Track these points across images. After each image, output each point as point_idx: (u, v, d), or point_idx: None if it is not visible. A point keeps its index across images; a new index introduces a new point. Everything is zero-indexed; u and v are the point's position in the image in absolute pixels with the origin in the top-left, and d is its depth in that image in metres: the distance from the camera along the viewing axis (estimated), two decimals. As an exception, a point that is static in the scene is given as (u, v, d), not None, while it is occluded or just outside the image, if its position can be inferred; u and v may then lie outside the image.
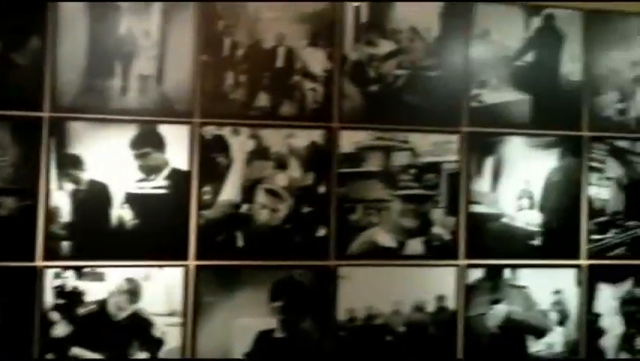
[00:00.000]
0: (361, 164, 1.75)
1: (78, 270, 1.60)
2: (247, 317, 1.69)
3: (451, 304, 1.79)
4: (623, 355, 1.86)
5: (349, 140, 1.75)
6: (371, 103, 1.77)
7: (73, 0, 1.57)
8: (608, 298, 1.86)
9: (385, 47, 1.77)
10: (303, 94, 1.72)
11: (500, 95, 1.83)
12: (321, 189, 1.72)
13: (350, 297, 1.74)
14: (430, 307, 1.77)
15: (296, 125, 1.72)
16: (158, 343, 1.63)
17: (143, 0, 1.61)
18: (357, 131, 1.75)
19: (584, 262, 1.85)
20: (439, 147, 1.78)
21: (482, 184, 1.82)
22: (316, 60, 1.73)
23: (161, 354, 1.62)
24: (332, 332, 1.73)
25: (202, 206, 1.66)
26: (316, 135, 1.73)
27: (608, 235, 1.86)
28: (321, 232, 1.73)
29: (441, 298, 1.78)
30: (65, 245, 1.59)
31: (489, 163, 1.81)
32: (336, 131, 1.74)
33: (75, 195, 1.59)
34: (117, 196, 1.62)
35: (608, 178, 1.86)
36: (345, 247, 1.75)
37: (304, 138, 1.72)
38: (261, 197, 1.69)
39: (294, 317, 1.71)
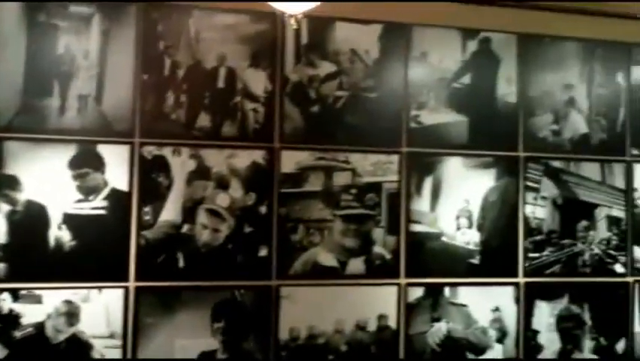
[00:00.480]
0: (303, 184, 2.55)
1: (14, 292, 2.22)
2: (188, 338, 2.37)
3: (392, 322, 2.66)
4: None
5: (290, 160, 2.54)
6: (312, 124, 2.58)
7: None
8: (545, 314, 2.84)
9: (326, 68, 2.64)
10: (244, 114, 2.56)
11: (438, 116, 2.78)
12: (263, 209, 2.52)
13: (292, 317, 2.48)
14: (372, 326, 2.64)
15: (237, 146, 2.49)
16: (97, 366, 2.38)
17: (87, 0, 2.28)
18: (299, 151, 2.54)
19: (521, 279, 2.83)
20: (379, 167, 2.70)
21: (422, 204, 2.73)
22: (257, 81, 2.58)
23: (100, 377, 2.40)
24: (274, 351, 2.50)
25: (142, 227, 2.39)
26: (258, 155, 2.55)
27: (545, 253, 2.86)
28: (263, 252, 2.52)
29: (382, 317, 2.66)
30: (1, 267, 2.22)
31: (428, 183, 2.75)
32: (277, 152, 2.54)
33: (11, 216, 2.23)
34: (55, 217, 2.29)
35: (544, 198, 2.86)
36: (287, 267, 2.50)
37: (245, 158, 2.51)
38: (202, 217, 2.51)
39: (236, 338, 2.45)
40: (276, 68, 2.37)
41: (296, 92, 2.36)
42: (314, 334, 2.45)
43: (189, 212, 2.27)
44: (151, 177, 2.30)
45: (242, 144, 2.32)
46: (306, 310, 2.36)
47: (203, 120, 2.31)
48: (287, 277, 2.33)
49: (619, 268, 2.56)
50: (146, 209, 2.32)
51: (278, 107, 2.33)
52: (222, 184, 2.36)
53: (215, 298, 2.28)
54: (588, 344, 2.54)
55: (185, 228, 2.30)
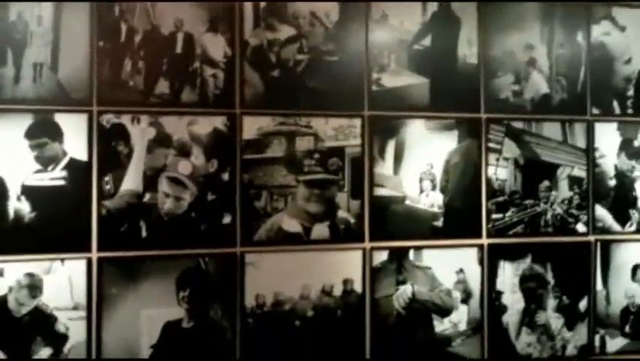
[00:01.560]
0: (265, 150, 2.97)
1: (-26, 266, 2.44)
2: (153, 308, 2.74)
3: (357, 287, 3.17)
4: (525, 330, 3.54)
5: (252, 126, 2.94)
6: (273, 88, 2.94)
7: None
8: (508, 275, 3.47)
9: (285, 32, 3.09)
10: (203, 80, 2.99)
11: (400, 78, 3.31)
12: (225, 176, 2.90)
13: (257, 283, 2.89)
14: (338, 290, 3.13)
15: (197, 112, 2.87)
16: (63, 338, 2.62)
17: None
18: (260, 116, 2.92)
19: (485, 241, 3.43)
20: (341, 132, 3.23)
21: (385, 167, 3.23)
22: (216, 46, 3.00)
23: (66, 349, 2.68)
24: (240, 319, 2.94)
25: (103, 196, 2.71)
26: (218, 122, 2.96)
27: (507, 214, 3.49)
28: (227, 220, 2.92)
29: (348, 282, 3.19)
30: (-41, 240, 2.43)
31: (391, 146, 3.28)
32: (238, 118, 2.99)
33: (-32, 189, 2.42)
34: (13, 189, 2.61)
35: (506, 159, 3.45)
36: (251, 234, 2.91)
37: (206, 124, 2.89)
38: (164, 185, 2.89)
39: (202, 306, 2.88)
40: (234, 33, 2.74)
41: (256, 56, 2.67)
42: (280, 300, 2.81)
43: (151, 180, 2.58)
44: (110, 146, 2.62)
45: (202, 110, 2.61)
46: (271, 276, 2.68)
47: (162, 87, 2.59)
48: (251, 244, 2.64)
49: (581, 227, 3.09)
50: (107, 178, 2.65)
51: (238, 73, 2.64)
52: (183, 151, 2.68)
53: (180, 267, 2.57)
54: (551, 302, 3.04)
55: (147, 197, 2.60)
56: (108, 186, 2.61)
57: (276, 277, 2.73)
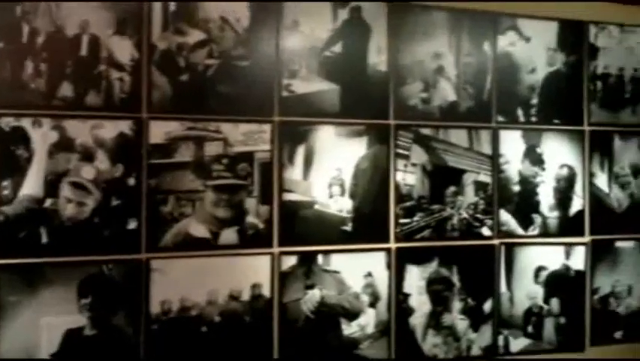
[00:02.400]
0: (173, 155, 3.16)
1: None
2: (54, 316, 2.90)
3: (266, 291, 3.45)
4: (431, 332, 4.00)
5: (159, 130, 3.15)
6: (181, 93, 3.17)
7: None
8: (415, 278, 3.89)
9: (195, 36, 3.38)
10: (109, 83, 3.17)
11: (310, 85, 3.63)
12: (131, 181, 3.09)
13: (163, 290, 3.11)
14: (246, 295, 3.40)
15: (102, 116, 3.05)
16: (-42, 347, 2.77)
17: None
18: (168, 121, 3.19)
19: (392, 245, 3.83)
20: (250, 137, 3.55)
21: (295, 173, 3.52)
22: (123, 49, 3.19)
23: (-40, 358, 3.00)
24: (145, 326, 3.18)
25: (1, 202, 2.91)
26: (124, 126, 3.16)
27: (415, 218, 3.93)
28: (132, 225, 3.12)
29: (256, 287, 3.47)
30: None
31: (301, 152, 3.59)
32: (145, 122, 3.25)
33: None
34: None
35: (414, 164, 3.89)
36: (157, 240, 3.12)
37: (112, 128, 3.09)
38: (66, 191, 3.03)
39: (105, 313, 3.05)
40: (142, 36, 2.92)
41: (164, 60, 2.84)
42: (186, 306, 3.02)
43: (52, 185, 2.67)
44: (9, 150, 2.78)
45: (107, 114, 2.75)
46: (177, 282, 2.85)
47: (66, 90, 2.73)
48: (157, 250, 2.80)
49: (486, 231, 3.48)
50: (5, 183, 2.79)
51: (145, 76, 2.81)
52: (87, 156, 2.84)
53: (82, 274, 2.70)
54: (457, 305, 3.46)
55: (48, 202, 2.72)
56: (6, 192, 2.71)
57: (183, 283, 2.86)
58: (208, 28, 2.98)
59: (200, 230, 3.04)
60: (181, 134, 2.93)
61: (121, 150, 2.80)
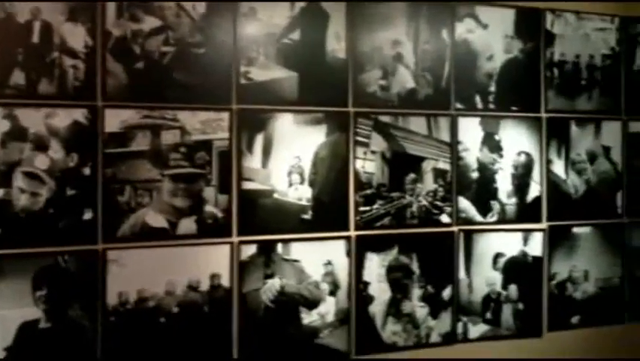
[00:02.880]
0: (129, 143, 3.29)
1: None
2: (8, 309, 2.97)
3: (225, 281, 3.58)
4: (391, 319, 4.22)
5: (115, 119, 3.21)
6: (137, 80, 3.23)
7: None
8: (375, 266, 4.09)
9: (150, 22, 3.47)
10: (63, 71, 3.18)
11: (269, 72, 3.74)
12: (86, 171, 3.12)
13: (120, 281, 3.18)
14: (204, 286, 3.53)
15: (56, 104, 3.08)
16: None
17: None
18: (123, 109, 3.28)
19: (352, 233, 3.99)
20: (208, 125, 3.70)
21: (253, 161, 3.64)
22: (76, 36, 3.22)
23: None
24: (102, 317, 3.27)
25: None
26: (79, 114, 3.18)
27: (375, 206, 4.13)
28: (88, 216, 3.19)
29: (215, 277, 3.60)
30: None
31: (259, 140, 3.74)
32: (100, 110, 3.29)
33: None
34: None
35: (373, 152, 4.07)
36: (114, 230, 3.23)
37: (66, 117, 3.10)
38: (19, 181, 3.03)
39: (61, 305, 3.13)
40: (96, 23, 3.06)
41: (119, 47, 2.89)
42: (144, 297, 3.11)
43: (5, 176, 2.71)
44: None
45: (61, 103, 2.78)
46: (135, 273, 2.92)
47: (18, 78, 2.74)
48: (114, 241, 2.87)
49: (445, 218, 3.66)
50: None
51: (100, 64, 2.90)
52: (41, 145, 2.89)
53: (37, 266, 2.75)
54: (416, 292, 3.70)
55: (1, 193, 2.70)
56: (-43, 183, 2.63)
57: (141, 274, 2.93)
58: (164, 15, 3.01)
59: (157, 220, 3.09)
60: (137, 122, 2.97)
61: (75, 139, 2.84)
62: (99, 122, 2.89)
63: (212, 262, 3.14)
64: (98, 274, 2.91)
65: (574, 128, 3.59)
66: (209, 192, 3.11)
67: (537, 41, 3.67)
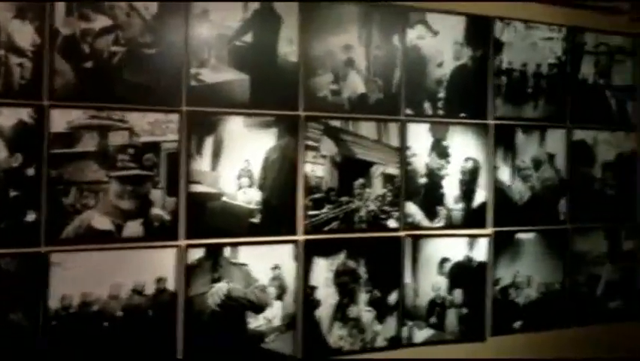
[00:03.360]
0: (75, 144, 3.29)
1: None
2: None
3: (171, 285, 3.64)
4: (337, 324, 4.42)
5: (61, 119, 3.22)
6: (85, 80, 3.25)
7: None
8: (323, 270, 4.24)
9: (100, 22, 3.51)
10: (8, 69, 3.11)
11: (220, 74, 3.80)
12: (30, 172, 3.11)
13: (64, 284, 3.18)
14: (150, 289, 3.61)
15: (1, 103, 3.10)
16: None
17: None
18: (70, 109, 3.29)
19: (300, 237, 4.14)
20: (158, 127, 3.83)
21: (202, 164, 3.69)
22: (23, 34, 3.16)
23: None
24: (44, 321, 3.22)
25: None
26: (24, 114, 3.14)
27: (323, 210, 4.33)
28: (31, 217, 3.17)
29: (161, 280, 3.67)
30: None
31: (209, 143, 3.82)
32: (46, 110, 3.26)
33: None
34: None
35: (323, 156, 4.25)
36: (57, 232, 3.24)
37: (10, 116, 3.08)
38: None
39: (1, 309, 3.04)
40: (44, 21, 3.09)
41: (67, 46, 2.90)
42: (88, 301, 3.18)
43: None
44: None
45: (6, 101, 2.78)
46: (79, 276, 2.92)
47: None
48: (58, 243, 2.87)
49: (392, 223, 3.76)
50: None
51: (47, 62, 2.88)
52: None
53: None
54: (363, 296, 3.92)
55: None
56: None
57: (84, 277, 2.94)
58: (114, 15, 3.03)
59: (103, 222, 3.11)
60: (84, 123, 2.98)
61: (20, 139, 2.83)
62: (45, 122, 2.87)
63: (158, 266, 3.15)
64: (40, 278, 2.90)
65: (520, 136, 3.81)
66: (156, 195, 3.14)
67: (486, 49, 3.78)
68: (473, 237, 3.74)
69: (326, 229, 3.58)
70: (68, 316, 3.01)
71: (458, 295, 3.79)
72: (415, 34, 3.67)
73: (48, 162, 2.92)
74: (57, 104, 2.94)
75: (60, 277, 2.97)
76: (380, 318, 3.66)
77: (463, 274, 3.77)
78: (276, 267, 3.48)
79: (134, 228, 3.16)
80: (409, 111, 3.68)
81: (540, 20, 3.82)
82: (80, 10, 3.00)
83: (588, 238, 4.00)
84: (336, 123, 3.56)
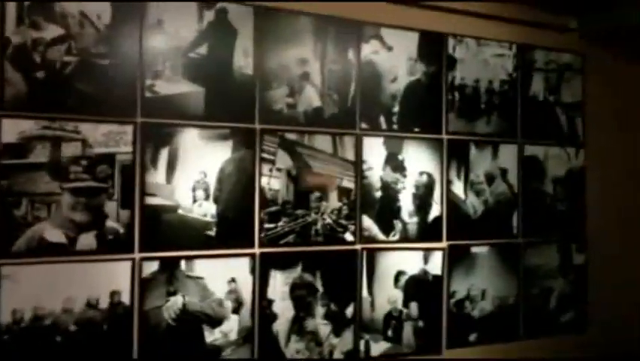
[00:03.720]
0: (27, 155, 3.23)
1: None
2: None
3: (125, 298, 3.62)
4: (294, 337, 4.37)
5: (12, 129, 3.19)
6: (37, 90, 3.22)
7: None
8: (279, 283, 4.23)
9: (52, 31, 3.56)
10: None
11: (174, 86, 3.86)
12: None
13: (15, 298, 3.12)
14: (104, 303, 3.55)
15: None
16: None
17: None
18: (21, 120, 3.28)
19: (257, 250, 4.15)
20: (111, 138, 3.79)
21: (158, 176, 3.73)
22: None
23: None
24: None
25: None
26: None
27: (280, 223, 4.29)
28: None
29: (115, 294, 3.66)
30: None
31: (164, 155, 3.83)
32: None
33: None
34: None
35: (279, 169, 4.25)
36: (8, 245, 3.17)
37: None
38: None
39: None
40: (-5, 29, 2.95)
41: (18, 55, 2.88)
42: (40, 315, 3.14)
43: None
44: None
45: None
46: (31, 290, 2.89)
47: None
48: (9, 256, 2.83)
49: (349, 236, 3.81)
50: None
51: None
52: None
53: None
54: (320, 310, 3.91)
55: None
56: None
57: (37, 291, 2.90)
58: (66, 24, 3.01)
59: (55, 235, 3.08)
60: (36, 133, 2.95)
61: None
62: None
63: (113, 279, 3.13)
64: None
65: (473, 150, 3.86)
66: (110, 207, 3.11)
67: (439, 65, 3.84)
68: (428, 250, 3.63)
69: (282, 242, 3.59)
70: (20, 330, 2.99)
71: (414, 308, 3.80)
72: (369, 49, 3.73)
73: (-1, 172, 2.81)
74: (8, 114, 2.89)
75: (11, 290, 2.92)
76: (337, 331, 3.65)
77: (418, 287, 3.82)
78: (232, 280, 3.49)
79: (87, 240, 3.13)
80: (364, 125, 3.72)
81: (491, 37, 3.85)
82: (31, 19, 3.12)
83: (540, 251, 4.04)
84: (292, 136, 3.58)
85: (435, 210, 3.85)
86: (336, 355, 3.58)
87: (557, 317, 4.07)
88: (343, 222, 3.75)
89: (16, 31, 3.10)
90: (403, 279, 3.82)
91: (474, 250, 3.79)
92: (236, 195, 3.56)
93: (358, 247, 3.74)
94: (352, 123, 3.74)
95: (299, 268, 3.63)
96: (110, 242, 3.14)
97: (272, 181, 3.62)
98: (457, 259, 3.90)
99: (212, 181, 3.40)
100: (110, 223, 3.24)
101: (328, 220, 3.71)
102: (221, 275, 3.41)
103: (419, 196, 3.73)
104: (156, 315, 3.25)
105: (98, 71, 3.11)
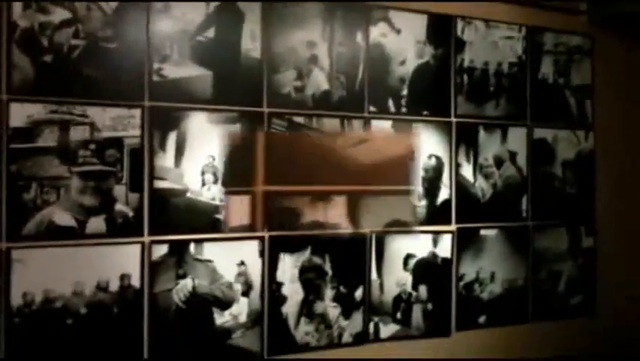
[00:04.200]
0: (35, 139, 3.26)
1: None
2: None
3: (135, 281, 3.63)
4: (304, 320, 4.32)
5: (21, 113, 3.21)
6: (44, 74, 3.19)
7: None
8: (288, 266, 4.18)
9: (59, 15, 3.45)
10: None
11: (182, 69, 3.81)
12: None
13: (25, 281, 3.13)
14: (114, 286, 3.54)
15: None
16: None
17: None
18: (30, 104, 3.26)
19: (266, 233, 4.15)
20: (119, 122, 3.74)
21: (166, 160, 3.71)
22: None
23: None
24: (5, 319, 3.11)
25: None
26: None
27: None
28: None
29: (125, 277, 3.64)
30: None
31: (172, 138, 3.82)
32: (4, 104, 3.17)
33: None
34: None
35: None
36: (18, 229, 3.20)
37: None
38: None
39: None
40: (1, 13, 3.02)
41: (26, 39, 2.82)
42: (50, 298, 3.14)
43: None
44: None
45: None
46: (41, 273, 2.86)
47: None
48: (19, 239, 2.80)
49: (357, 218, 3.84)
50: None
51: (5, 56, 2.81)
52: None
53: None
54: (329, 292, 3.89)
55: None
56: None
57: (47, 274, 2.87)
58: (74, 8, 2.94)
59: (65, 218, 3.07)
60: (44, 117, 2.90)
61: None
62: (4, 117, 2.78)
63: (122, 262, 3.08)
64: (1, 274, 2.80)
65: (482, 134, 3.78)
66: (119, 191, 3.05)
67: (448, 47, 3.78)
68: (437, 233, 3.62)
69: (291, 224, 3.41)
70: (31, 313, 3.04)
71: (423, 291, 3.75)
72: (377, 32, 3.64)
73: (7, 157, 2.82)
74: (16, 98, 2.85)
75: (22, 273, 2.88)
76: (346, 314, 3.62)
77: (427, 270, 3.77)
78: (241, 263, 3.45)
79: (97, 224, 3.08)
80: (372, 108, 3.65)
81: (500, 20, 3.75)
82: (38, 3, 3.02)
83: (549, 234, 3.94)
84: (300, 120, 3.52)
85: (444, 193, 3.80)
86: (346, 337, 3.60)
87: (566, 300, 4.00)
88: (352, 205, 3.32)
89: (23, 14, 3.06)
90: (412, 262, 3.78)
91: (483, 232, 3.75)
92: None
93: (367, 229, 3.51)
94: (360, 106, 3.67)
95: (308, 251, 3.58)
96: (120, 225, 3.10)
97: (280, 165, 3.33)
98: (466, 241, 3.85)
99: (220, 165, 3.36)
100: (120, 207, 3.18)
101: (337, 203, 3.30)
102: (231, 258, 3.36)
103: (428, 179, 3.65)
104: (166, 298, 3.22)
105: (105, 55, 3.05)
